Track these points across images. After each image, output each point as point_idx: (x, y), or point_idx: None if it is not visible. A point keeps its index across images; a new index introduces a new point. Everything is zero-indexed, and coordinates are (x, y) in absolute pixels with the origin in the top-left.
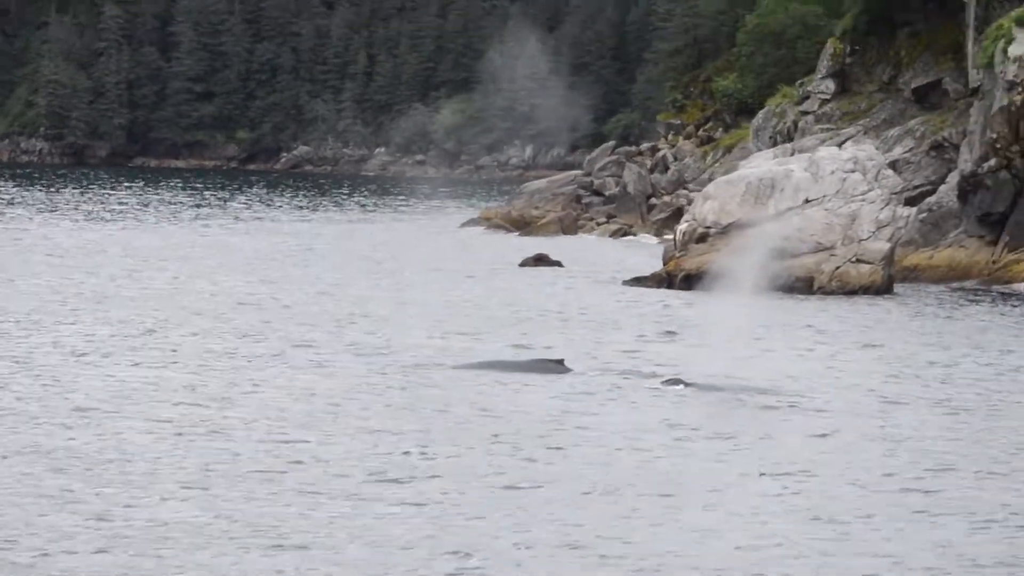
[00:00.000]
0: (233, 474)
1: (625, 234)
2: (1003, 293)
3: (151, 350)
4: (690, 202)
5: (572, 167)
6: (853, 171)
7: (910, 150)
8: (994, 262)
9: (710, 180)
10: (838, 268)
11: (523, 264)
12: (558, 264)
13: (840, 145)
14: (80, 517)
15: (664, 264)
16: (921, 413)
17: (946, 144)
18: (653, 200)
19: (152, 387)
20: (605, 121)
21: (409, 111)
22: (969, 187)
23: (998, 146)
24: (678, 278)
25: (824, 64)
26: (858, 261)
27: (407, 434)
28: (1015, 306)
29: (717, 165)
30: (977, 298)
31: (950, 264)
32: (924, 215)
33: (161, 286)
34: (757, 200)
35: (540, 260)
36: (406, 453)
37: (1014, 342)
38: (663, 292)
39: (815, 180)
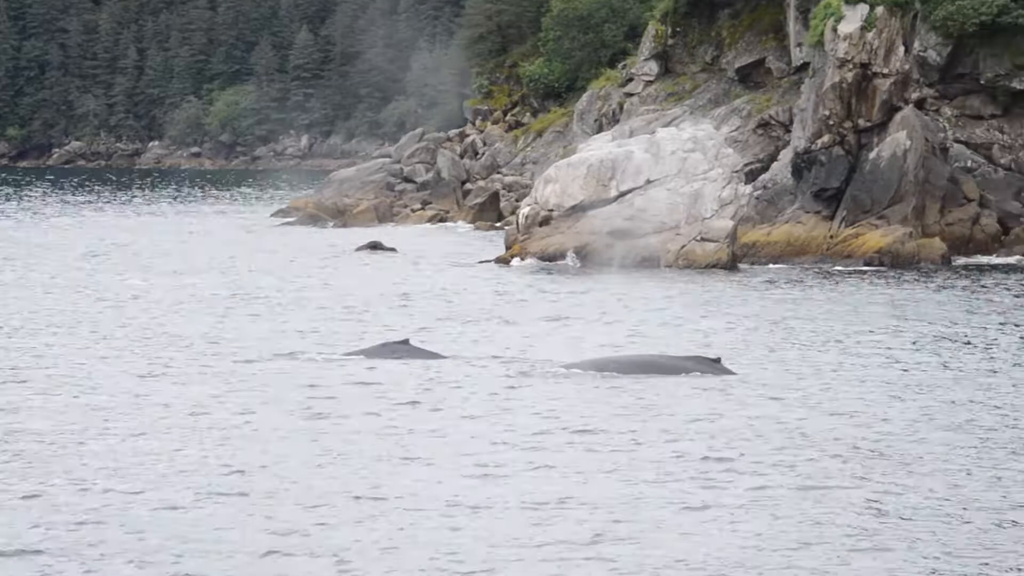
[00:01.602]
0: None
1: (442, 220)
2: (842, 269)
3: None
4: (506, 186)
5: (350, 155)
6: (693, 151)
7: (737, 129)
8: (831, 237)
9: (523, 164)
10: (684, 247)
11: (359, 249)
12: (393, 250)
13: (673, 124)
14: None
15: (507, 248)
16: (777, 384)
17: (773, 122)
18: (468, 186)
19: None
20: (380, 109)
21: (182, 104)
22: (803, 164)
23: (831, 123)
24: (523, 261)
25: (647, 46)
26: (703, 240)
27: (267, 421)
28: (856, 279)
29: (529, 149)
30: (818, 272)
31: (788, 240)
32: (759, 192)
33: None
34: (599, 182)
35: (375, 247)
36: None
37: (850, 315)
38: (511, 274)
39: (656, 161)
